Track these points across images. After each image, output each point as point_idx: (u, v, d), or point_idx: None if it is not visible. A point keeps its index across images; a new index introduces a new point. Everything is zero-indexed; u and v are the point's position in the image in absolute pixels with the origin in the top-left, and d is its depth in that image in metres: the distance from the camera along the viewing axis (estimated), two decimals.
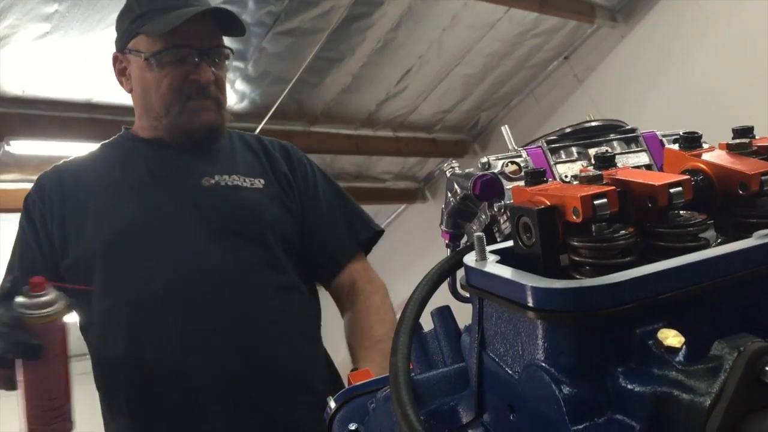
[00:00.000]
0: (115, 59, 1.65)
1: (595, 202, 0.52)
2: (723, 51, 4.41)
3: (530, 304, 0.50)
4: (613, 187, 0.53)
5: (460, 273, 0.69)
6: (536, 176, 0.59)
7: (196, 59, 1.57)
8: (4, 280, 1.44)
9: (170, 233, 1.54)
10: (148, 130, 1.68)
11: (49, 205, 1.60)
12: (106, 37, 3.72)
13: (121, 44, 1.64)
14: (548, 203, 0.54)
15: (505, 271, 0.54)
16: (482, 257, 0.58)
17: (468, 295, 0.64)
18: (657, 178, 0.54)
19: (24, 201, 1.64)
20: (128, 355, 1.49)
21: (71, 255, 1.56)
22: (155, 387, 1.48)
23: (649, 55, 4.92)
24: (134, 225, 1.55)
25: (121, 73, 1.66)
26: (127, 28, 1.61)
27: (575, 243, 0.53)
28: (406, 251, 6.01)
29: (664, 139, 0.85)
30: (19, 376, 1.31)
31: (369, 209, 7.13)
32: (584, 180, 0.56)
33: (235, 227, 1.59)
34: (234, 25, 1.64)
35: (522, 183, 0.62)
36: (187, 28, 1.54)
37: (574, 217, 0.52)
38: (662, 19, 4.84)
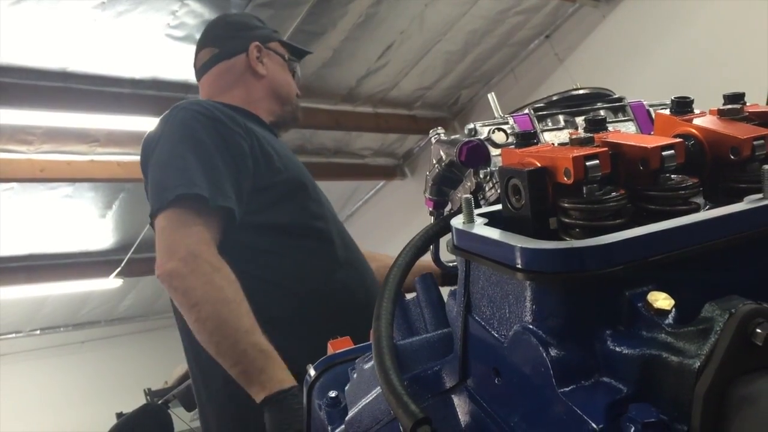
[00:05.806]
0: (258, 48, 1.97)
1: (587, 163, 0.51)
2: (705, 30, 4.42)
3: (519, 265, 0.49)
4: (606, 149, 0.52)
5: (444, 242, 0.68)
6: (526, 138, 0.58)
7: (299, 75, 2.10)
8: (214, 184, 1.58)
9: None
10: (266, 113, 1.95)
11: (243, 127, 1.72)
12: (82, 4, 3.65)
13: (263, 40, 1.99)
14: (539, 165, 0.53)
15: (494, 233, 0.53)
16: (470, 219, 0.57)
17: (452, 264, 0.63)
18: (649, 141, 0.54)
19: (201, 117, 1.70)
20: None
21: (282, 174, 1.74)
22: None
23: (631, 35, 4.92)
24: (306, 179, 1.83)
25: (258, 59, 1.96)
26: (267, 31, 2.03)
27: (565, 205, 0.52)
28: (385, 228, 5.99)
29: (651, 109, 0.85)
30: None
31: (348, 185, 7.00)
32: (575, 142, 0.55)
33: None
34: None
35: None
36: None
37: (565, 179, 0.51)
38: None
